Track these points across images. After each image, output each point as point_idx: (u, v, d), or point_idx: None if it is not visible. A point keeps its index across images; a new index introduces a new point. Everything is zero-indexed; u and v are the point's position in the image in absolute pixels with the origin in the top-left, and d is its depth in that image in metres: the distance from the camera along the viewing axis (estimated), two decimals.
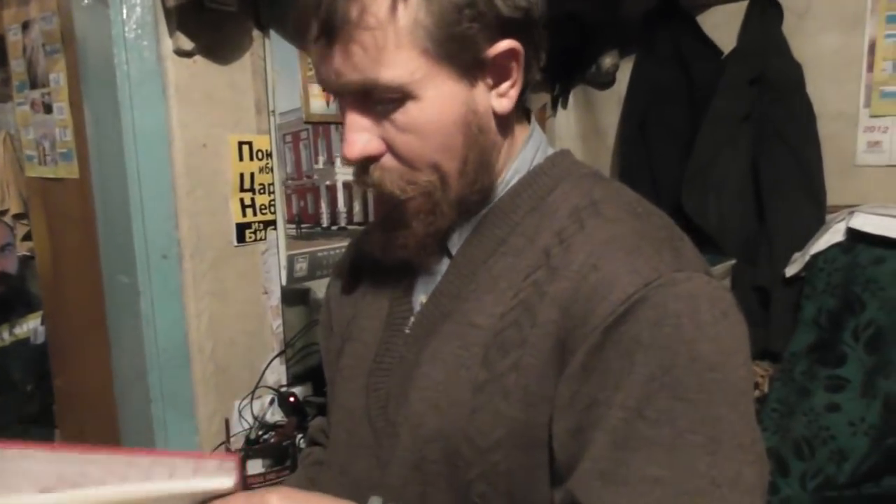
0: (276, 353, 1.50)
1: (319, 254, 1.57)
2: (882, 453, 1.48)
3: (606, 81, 2.35)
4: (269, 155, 1.47)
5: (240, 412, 1.43)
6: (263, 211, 1.47)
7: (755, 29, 1.89)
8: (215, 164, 1.40)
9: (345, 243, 1.17)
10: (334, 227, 1.62)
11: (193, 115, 1.36)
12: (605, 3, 2.24)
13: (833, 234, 1.70)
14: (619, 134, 2.29)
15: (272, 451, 1.36)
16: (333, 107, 1.56)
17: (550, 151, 0.71)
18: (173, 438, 1.38)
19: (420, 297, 0.71)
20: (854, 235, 1.66)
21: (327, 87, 0.64)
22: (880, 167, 1.84)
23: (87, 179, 1.43)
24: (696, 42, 2.03)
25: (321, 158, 1.58)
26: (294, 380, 1.54)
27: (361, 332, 0.76)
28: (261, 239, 1.47)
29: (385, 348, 0.71)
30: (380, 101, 0.60)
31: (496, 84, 0.63)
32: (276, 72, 1.47)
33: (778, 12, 1.89)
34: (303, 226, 1.54)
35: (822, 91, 1.87)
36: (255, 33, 1.44)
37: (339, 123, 0.67)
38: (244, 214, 1.44)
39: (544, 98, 2.44)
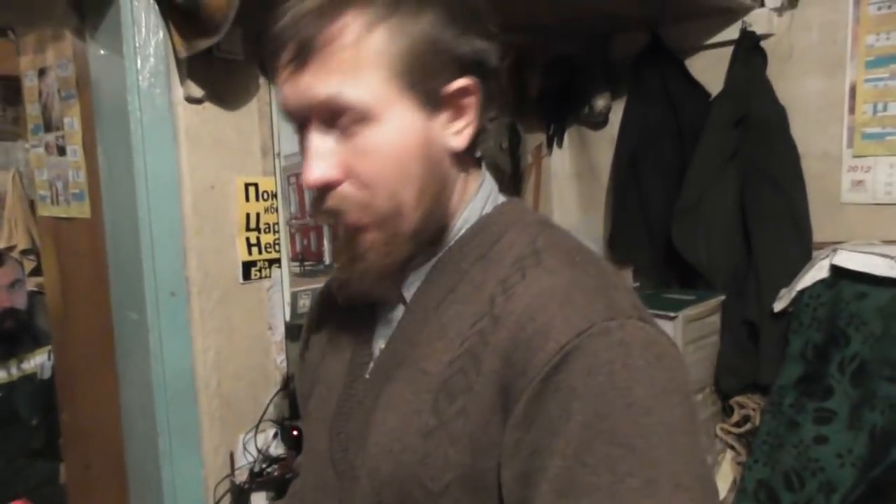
0: (279, 387, 1.54)
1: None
2: (868, 484, 1.51)
3: (599, 122, 2.42)
4: (275, 195, 1.53)
5: (244, 445, 1.47)
6: (268, 249, 1.52)
7: (740, 72, 1.96)
8: (223, 204, 1.45)
9: None
10: (336, 265, 1.66)
11: (202, 158, 1.42)
12: (595, 45, 2.33)
13: (818, 271, 1.75)
14: (612, 172, 2.36)
15: (275, 484, 1.40)
16: None
17: (501, 200, 0.74)
18: (179, 471, 1.41)
19: (379, 343, 0.73)
20: (838, 272, 1.71)
21: (294, 110, 0.65)
22: (864, 205, 1.89)
23: (99, 219, 1.48)
24: (685, 83, 2.10)
25: None
26: (296, 413, 1.57)
27: (328, 375, 0.78)
28: (266, 276, 1.52)
29: (347, 393, 0.74)
30: (343, 121, 0.62)
31: (452, 120, 0.66)
32: (281, 116, 1.53)
33: (762, 57, 1.97)
34: (306, 263, 1.59)
35: (806, 132, 1.94)
36: (262, 80, 1.50)
37: None
38: (250, 253, 1.49)
39: (540, 138, 2.51)
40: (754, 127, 1.92)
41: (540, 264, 0.64)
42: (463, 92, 0.65)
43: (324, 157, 0.64)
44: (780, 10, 1.98)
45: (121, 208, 1.41)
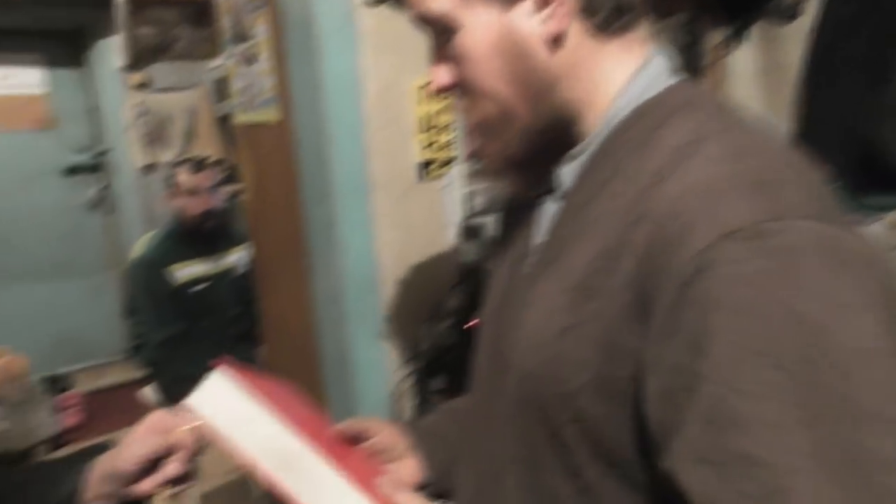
0: (455, 281, 1.60)
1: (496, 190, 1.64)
2: None
3: (790, 15, 2.21)
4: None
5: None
6: (444, 149, 1.56)
7: None
8: (400, 104, 1.50)
9: None
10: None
11: (381, 59, 1.46)
12: None
13: None
14: (805, 68, 2.16)
15: (450, 368, 1.48)
16: None
17: (673, 81, 0.66)
18: (364, 355, 1.53)
19: (538, 239, 0.73)
20: None
21: (417, 24, 0.69)
22: None
23: (289, 122, 1.58)
24: None
25: None
26: (472, 307, 1.63)
27: (498, 269, 0.80)
28: (442, 175, 1.57)
29: (508, 287, 0.75)
30: (440, 31, 0.66)
31: (538, 7, 0.62)
32: None
33: None
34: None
35: None
36: None
37: None
38: (426, 152, 1.54)
39: (721, 34, 2.34)
40: None
41: (699, 153, 0.57)
42: None
43: (439, 64, 0.68)
44: None
45: (308, 111, 1.50)
